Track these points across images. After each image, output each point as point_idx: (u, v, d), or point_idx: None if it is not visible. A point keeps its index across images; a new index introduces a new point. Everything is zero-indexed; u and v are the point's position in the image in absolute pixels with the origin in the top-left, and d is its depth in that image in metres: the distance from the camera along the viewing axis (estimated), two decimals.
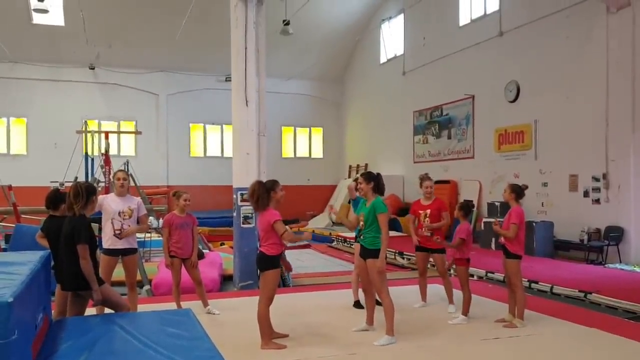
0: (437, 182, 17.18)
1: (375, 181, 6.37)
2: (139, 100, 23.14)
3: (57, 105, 21.78)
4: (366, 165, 22.91)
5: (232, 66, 9.66)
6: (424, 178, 7.85)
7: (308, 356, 5.55)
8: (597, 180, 12.75)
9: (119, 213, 6.43)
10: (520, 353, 5.72)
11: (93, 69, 22.34)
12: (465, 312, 6.93)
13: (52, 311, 5.09)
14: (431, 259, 7.88)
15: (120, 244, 6.40)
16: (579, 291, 8.47)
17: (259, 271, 6.00)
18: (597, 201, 12.75)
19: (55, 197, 5.73)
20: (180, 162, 23.54)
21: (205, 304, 7.43)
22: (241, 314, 7.16)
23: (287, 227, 5.90)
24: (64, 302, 4.95)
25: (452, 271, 8.16)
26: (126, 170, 19.17)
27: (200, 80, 23.44)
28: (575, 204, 13.26)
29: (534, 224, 12.96)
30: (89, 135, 15.53)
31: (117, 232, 6.39)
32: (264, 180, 6.33)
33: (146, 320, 4.57)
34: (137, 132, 21.69)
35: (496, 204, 14.76)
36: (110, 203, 6.45)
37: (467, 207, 7.20)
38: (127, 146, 23.11)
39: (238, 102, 9.59)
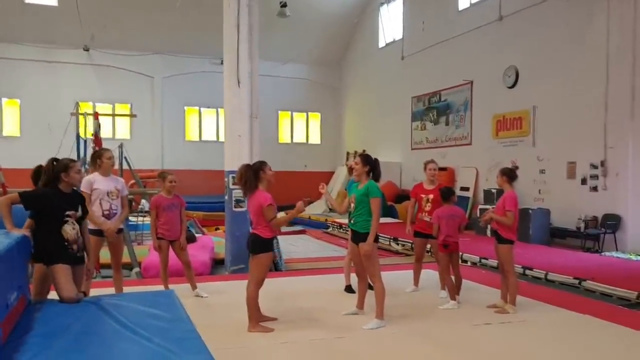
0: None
1: (372, 166, 6.20)
2: (134, 83, 22.96)
3: (51, 87, 21.58)
4: (363, 151, 22.71)
5: (224, 46, 9.48)
6: (429, 161, 7.73)
7: (295, 339, 5.44)
8: (595, 167, 12.60)
9: (108, 193, 6.29)
10: (511, 338, 5.61)
11: (87, 50, 22.14)
12: (452, 297, 6.81)
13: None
14: (428, 245, 7.77)
15: (108, 224, 6.26)
16: (574, 278, 8.35)
17: (250, 254, 5.84)
18: (595, 189, 12.62)
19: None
20: (176, 145, 23.40)
21: (194, 287, 7.32)
22: (230, 297, 7.03)
23: (277, 213, 5.77)
24: (41, 282, 4.80)
25: None
26: (120, 153, 19.13)
27: (196, 63, 23.20)
28: (572, 191, 13.13)
29: (530, 211, 12.83)
30: (81, 117, 15.37)
31: (106, 212, 6.25)
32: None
33: (127, 302, 4.43)
34: (132, 115, 21.53)
35: (493, 190, 14.64)
36: (99, 183, 6.29)
37: (445, 192, 7.12)
38: (122, 129, 22.94)
39: (230, 83, 9.42)
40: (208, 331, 5.63)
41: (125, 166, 18.99)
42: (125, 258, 9.26)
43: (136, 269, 8.91)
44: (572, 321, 6.26)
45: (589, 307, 6.77)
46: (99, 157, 6.37)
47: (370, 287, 6.30)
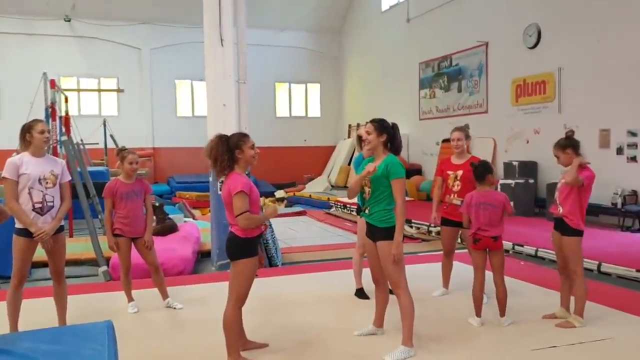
0: (445, 140, 15.72)
1: (389, 134, 4.63)
2: (120, 55, 21.53)
3: (32, 61, 19.96)
4: (367, 124, 21.22)
5: None
6: (453, 130, 6.06)
7: None
8: (633, 135, 11.17)
9: (40, 180, 4.71)
10: None
11: (69, 21, 20.71)
12: (502, 312, 5.14)
13: None
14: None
15: (41, 222, 4.70)
16: (637, 271, 6.80)
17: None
18: (633, 159, 11.19)
19: None
20: (166, 121, 21.96)
21: (165, 296, 5.79)
22: (210, 309, 5.47)
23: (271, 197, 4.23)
24: None
25: None
26: (104, 130, 17.67)
27: (187, 32, 21.50)
28: (606, 162, 11.59)
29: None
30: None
31: (38, 206, 4.69)
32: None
33: (24, 350, 2.88)
34: (118, 90, 20.16)
35: (514, 163, 13.20)
36: (28, 166, 4.72)
37: (477, 168, 5.32)
38: (108, 105, 21.57)
39: (211, 42, 7.90)
40: None
41: (111, 144, 17.73)
42: (91, 254, 7.88)
43: (103, 268, 7.42)
44: None
45: None
46: (28, 131, 4.76)
47: (391, 292, 4.77)
